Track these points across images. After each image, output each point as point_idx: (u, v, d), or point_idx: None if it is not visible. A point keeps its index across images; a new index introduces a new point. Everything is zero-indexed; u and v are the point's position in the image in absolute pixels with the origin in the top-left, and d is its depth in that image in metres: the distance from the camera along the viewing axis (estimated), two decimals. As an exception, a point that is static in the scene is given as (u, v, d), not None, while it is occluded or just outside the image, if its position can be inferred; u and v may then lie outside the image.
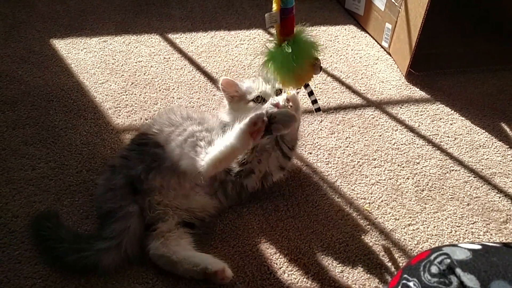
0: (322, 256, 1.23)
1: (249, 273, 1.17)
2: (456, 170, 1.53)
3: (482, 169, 1.55)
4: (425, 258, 0.65)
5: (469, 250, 0.64)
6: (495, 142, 1.65)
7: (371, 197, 1.41)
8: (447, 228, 1.35)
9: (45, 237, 1.13)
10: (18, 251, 1.16)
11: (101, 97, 1.63)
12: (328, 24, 2.16)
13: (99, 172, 1.35)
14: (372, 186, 1.44)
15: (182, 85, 1.73)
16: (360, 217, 1.34)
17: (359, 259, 1.24)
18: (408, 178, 1.48)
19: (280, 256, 1.22)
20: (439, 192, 1.45)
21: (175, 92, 1.69)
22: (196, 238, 1.21)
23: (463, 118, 1.74)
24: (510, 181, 1.51)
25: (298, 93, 1.31)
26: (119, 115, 1.57)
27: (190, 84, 1.74)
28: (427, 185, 1.47)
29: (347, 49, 2.03)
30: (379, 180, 1.47)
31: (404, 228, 1.33)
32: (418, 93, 1.83)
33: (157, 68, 1.79)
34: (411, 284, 0.64)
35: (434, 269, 0.63)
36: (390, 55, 2.00)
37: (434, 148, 1.60)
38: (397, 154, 1.56)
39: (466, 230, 1.35)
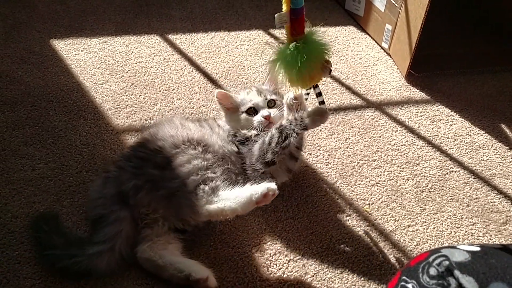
0: (322, 257, 1.23)
1: (248, 274, 1.17)
2: (456, 171, 1.53)
3: (482, 170, 1.55)
4: (423, 260, 0.65)
5: (468, 252, 0.64)
6: (495, 143, 1.65)
7: (371, 198, 1.41)
8: (447, 229, 1.35)
9: (39, 242, 1.13)
10: (18, 251, 1.16)
11: (101, 97, 1.63)
12: (328, 25, 2.16)
13: (97, 174, 1.35)
14: (372, 187, 1.44)
15: (182, 85, 1.73)
16: (359, 218, 1.34)
17: (358, 260, 1.24)
18: (408, 179, 1.48)
19: (280, 257, 1.22)
20: (439, 193, 1.45)
21: (175, 93, 1.69)
22: (187, 243, 1.20)
23: (463, 119, 1.74)
24: (510, 182, 1.51)
25: (308, 94, 1.31)
26: (119, 116, 1.57)
27: (190, 85, 1.74)
28: (427, 186, 1.47)
29: (347, 50, 2.03)
30: (379, 181, 1.47)
31: (403, 229, 1.33)
32: (418, 94, 1.83)
33: (157, 69, 1.79)
34: (409, 286, 0.64)
35: (432, 271, 0.63)
36: (390, 56, 2.00)
37: (434, 149, 1.60)
38: (397, 155, 1.56)
39: (465, 231, 1.35)
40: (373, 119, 1.69)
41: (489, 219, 1.39)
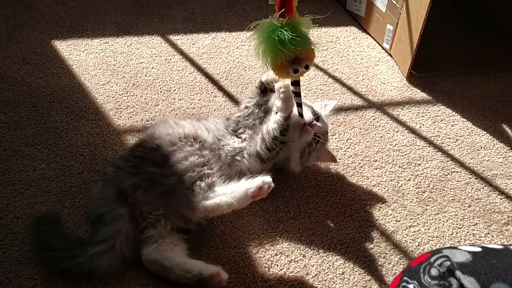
0: (323, 258, 1.23)
1: (249, 275, 1.17)
2: (457, 172, 1.53)
3: (484, 170, 1.54)
4: (425, 260, 0.65)
5: (469, 252, 0.64)
6: (497, 144, 1.65)
7: (372, 198, 1.41)
8: (448, 230, 1.35)
9: (40, 244, 1.13)
10: (19, 252, 1.16)
11: (103, 98, 1.63)
12: (329, 25, 2.16)
13: (99, 174, 1.35)
14: (373, 188, 1.44)
15: (183, 86, 1.73)
16: (361, 219, 1.34)
17: (360, 260, 1.24)
18: (409, 180, 1.48)
19: (281, 258, 1.22)
20: (440, 194, 1.45)
21: (176, 94, 1.69)
22: (191, 244, 1.20)
23: (465, 120, 1.74)
24: (512, 183, 1.51)
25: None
26: (120, 116, 1.57)
27: (191, 85, 1.74)
28: (428, 186, 1.47)
29: (348, 51, 2.03)
30: (380, 181, 1.46)
31: (405, 230, 1.33)
32: (419, 94, 1.83)
33: (158, 70, 1.79)
34: (411, 286, 0.64)
35: (434, 272, 0.63)
36: (391, 57, 2.00)
37: (435, 150, 1.60)
38: (398, 155, 1.56)
39: (467, 232, 1.35)
40: (374, 119, 1.69)
41: (490, 220, 1.39)
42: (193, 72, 1.80)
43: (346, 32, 2.14)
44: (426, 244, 1.30)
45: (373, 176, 1.48)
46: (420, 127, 1.68)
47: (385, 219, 1.35)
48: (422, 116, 1.73)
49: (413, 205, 1.40)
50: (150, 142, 1.26)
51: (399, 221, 1.35)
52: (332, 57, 1.97)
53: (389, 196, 1.42)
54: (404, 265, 1.22)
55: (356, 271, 1.21)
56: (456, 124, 1.71)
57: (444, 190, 1.46)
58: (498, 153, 1.62)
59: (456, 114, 1.76)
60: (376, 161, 1.53)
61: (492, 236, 1.35)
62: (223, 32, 2.04)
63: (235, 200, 1.13)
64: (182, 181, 1.17)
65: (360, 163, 1.52)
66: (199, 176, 1.18)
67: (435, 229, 1.34)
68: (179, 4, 2.17)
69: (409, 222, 1.35)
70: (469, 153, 1.60)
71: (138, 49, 1.88)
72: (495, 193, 1.47)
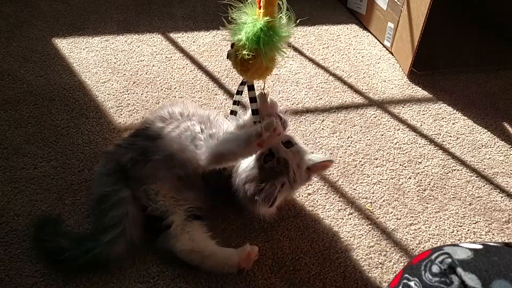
0: (324, 256, 1.23)
1: (250, 273, 1.17)
2: (458, 170, 1.52)
3: (484, 168, 1.54)
4: (426, 257, 0.65)
5: (470, 249, 0.64)
6: (498, 142, 1.65)
7: (373, 196, 1.41)
8: (449, 227, 1.35)
9: (48, 253, 1.13)
10: (20, 249, 1.16)
11: (103, 96, 1.63)
12: (330, 23, 2.15)
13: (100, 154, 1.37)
14: (374, 186, 1.44)
15: (184, 84, 1.73)
16: (361, 217, 1.34)
17: (360, 258, 1.24)
18: (410, 178, 1.48)
19: (282, 256, 1.22)
20: (441, 192, 1.45)
21: (176, 91, 1.69)
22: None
23: (466, 118, 1.74)
24: (513, 181, 1.51)
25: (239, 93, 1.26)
26: (121, 114, 1.57)
27: (192, 83, 1.74)
28: (429, 184, 1.46)
29: (349, 48, 2.02)
30: (381, 179, 1.46)
31: (405, 228, 1.33)
32: (420, 92, 1.83)
33: (159, 67, 1.79)
34: (412, 283, 0.63)
35: (435, 269, 0.62)
36: (392, 54, 1.99)
37: (436, 148, 1.60)
38: (399, 153, 1.56)
39: (468, 230, 1.34)
40: (375, 117, 1.69)
41: (491, 218, 1.39)
42: (194, 70, 1.80)
43: (347, 30, 2.14)
44: (426, 242, 1.30)
45: (373, 174, 1.48)
46: (421, 125, 1.68)
47: (386, 217, 1.35)
48: (423, 114, 1.73)
49: (414, 203, 1.40)
50: (143, 125, 1.31)
51: (400, 219, 1.35)
52: (333, 55, 1.97)
53: (390, 194, 1.42)
54: (405, 263, 1.23)
55: (357, 269, 1.21)
56: (457, 122, 1.71)
57: (444, 188, 1.46)
58: (499, 151, 1.61)
59: (457, 112, 1.76)
60: (376, 159, 1.53)
61: (493, 234, 1.34)
62: (224, 30, 2.03)
63: (238, 147, 1.11)
64: (180, 144, 1.20)
65: (360, 161, 1.52)
66: (194, 134, 1.20)
67: (436, 227, 1.34)
68: (180, 2, 2.17)
69: (410, 220, 1.35)
70: (470, 151, 1.60)
71: (138, 47, 1.88)
72: (496, 191, 1.47)
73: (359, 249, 1.26)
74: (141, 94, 1.66)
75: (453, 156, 1.57)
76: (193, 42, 1.94)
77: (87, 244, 1.10)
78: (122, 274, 1.13)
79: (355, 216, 1.34)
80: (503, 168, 1.55)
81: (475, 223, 1.37)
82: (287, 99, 1.71)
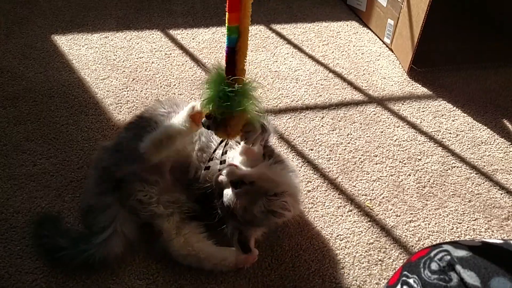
0: (323, 253, 1.23)
1: (250, 270, 1.17)
2: (458, 167, 1.52)
3: (484, 165, 1.54)
4: (425, 255, 0.65)
5: (470, 247, 0.64)
6: (497, 139, 1.65)
7: (373, 193, 1.41)
8: (449, 224, 1.35)
9: (46, 250, 1.13)
10: (19, 246, 1.16)
11: (103, 93, 1.63)
12: (330, 20, 2.15)
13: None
14: (374, 183, 1.44)
15: (183, 81, 1.72)
16: (361, 214, 1.34)
17: (360, 255, 1.24)
18: (409, 175, 1.48)
19: (281, 253, 1.22)
20: (441, 189, 1.45)
21: (176, 88, 1.69)
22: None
23: (465, 115, 1.73)
24: (512, 178, 1.51)
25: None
26: (120, 111, 1.57)
27: (191, 80, 1.73)
28: (429, 181, 1.46)
29: (349, 45, 2.02)
30: (381, 176, 1.46)
31: (405, 225, 1.33)
32: (420, 89, 1.83)
33: (158, 64, 1.79)
34: (411, 281, 0.63)
35: (434, 266, 0.63)
36: (392, 51, 1.99)
37: (436, 145, 1.60)
38: (398, 150, 1.56)
39: (467, 227, 1.35)
40: (375, 114, 1.69)
41: (491, 215, 1.39)
42: (193, 67, 1.80)
43: (346, 26, 2.13)
44: (426, 239, 1.30)
45: (373, 171, 1.48)
46: (420, 122, 1.68)
47: (385, 214, 1.35)
48: (423, 111, 1.73)
49: (413, 200, 1.40)
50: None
51: (399, 216, 1.35)
52: (333, 52, 1.97)
53: (389, 191, 1.42)
54: (404, 260, 1.23)
55: (356, 266, 1.21)
56: (456, 119, 1.71)
57: (444, 185, 1.46)
58: (499, 148, 1.61)
59: (457, 109, 1.76)
60: (376, 156, 1.53)
61: (492, 231, 1.35)
62: (223, 26, 2.00)
63: (171, 126, 1.11)
64: (157, 122, 1.19)
65: (360, 158, 1.51)
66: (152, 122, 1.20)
67: (435, 224, 1.34)
68: (179, -2, 2.16)
69: (409, 217, 1.35)
70: (469, 148, 1.60)
71: (138, 43, 1.88)
72: (495, 188, 1.47)
73: (358, 246, 1.26)
74: (141, 91, 1.66)
75: (452, 153, 1.57)
76: (193, 38, 1.94)
77: (82, 245, 1.10)
78: (122, 271, 1.14)
79: (354, 213, 1.34)
80: (503, 165, 1.55)
81: (474, 220, 1.37)
82: (287, 96, 1.71)
